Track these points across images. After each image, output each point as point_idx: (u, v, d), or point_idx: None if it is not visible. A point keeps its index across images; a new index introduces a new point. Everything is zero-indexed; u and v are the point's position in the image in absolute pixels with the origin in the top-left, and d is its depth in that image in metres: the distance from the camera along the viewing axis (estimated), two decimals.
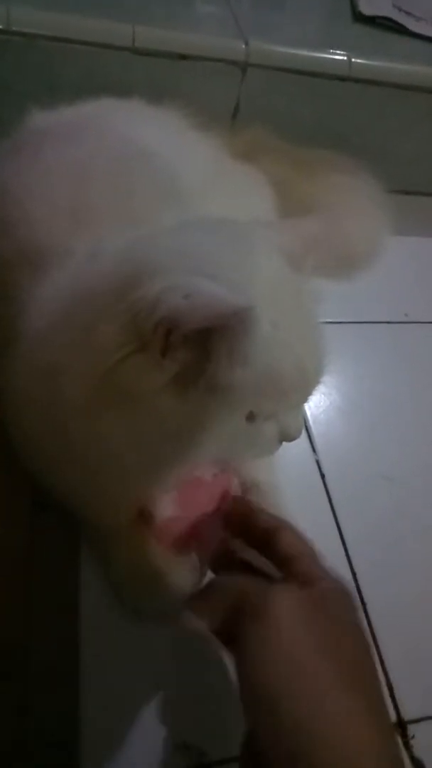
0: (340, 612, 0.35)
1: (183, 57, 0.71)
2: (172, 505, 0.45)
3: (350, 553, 0.56)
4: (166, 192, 0.51)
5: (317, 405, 0.67)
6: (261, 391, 0.36)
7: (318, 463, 0.62)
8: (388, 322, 0.77)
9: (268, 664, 0.31)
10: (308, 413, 0.65)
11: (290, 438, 0.41)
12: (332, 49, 0.77)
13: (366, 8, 0.86)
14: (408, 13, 0.88)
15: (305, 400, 0.41)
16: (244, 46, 0.72)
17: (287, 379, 0.37)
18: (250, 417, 0.37)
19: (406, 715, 0.48)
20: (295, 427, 0.41)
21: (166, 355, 0.32)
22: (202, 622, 0.35)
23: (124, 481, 0.40)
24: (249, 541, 0.40)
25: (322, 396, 0.68)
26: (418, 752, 0.47)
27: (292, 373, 0.37)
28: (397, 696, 0.49)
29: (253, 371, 0.33)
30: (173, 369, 0.33)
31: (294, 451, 0.61)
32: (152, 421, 0.35)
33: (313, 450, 0.63)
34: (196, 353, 0.32)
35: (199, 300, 0.30)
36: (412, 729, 0.48)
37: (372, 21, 0.86)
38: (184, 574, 0.47)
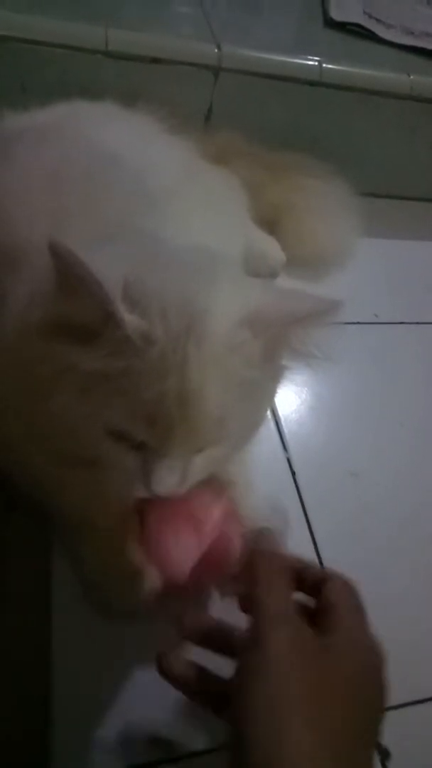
0: (351, 667, 0.33)
1: (155, 60, 0.71)
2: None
3: (319, 547, 0.57)
4: (139, 195, 0.52)
5: (289, 403, 0.68)
6: (111, 401, 0.34)
7: (289, 460, 0.63)
8: (358, 323, 0.79)
9: (250, 703, 0.31)
10: (280, 411, 0.67)
11: (149, 489, 0.36)
12: (303, 54, 0.79)
13: (337, 14, 0.88)
14: (378, 20, 0.90)
15: (168, 453, 0.35)
16: (216, 50, 0.74)
17: (138, 406, 0.33)
18: (112, 431, 0.35)
19: None
20: (158, 479, 0.36)
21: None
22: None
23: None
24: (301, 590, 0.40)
25: (294, 395, 0.69)
26: (384, 741, 0.48)
27: (148, 404, 0.33)
28: None
29: (102, 363, 0.33)
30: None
31: (265, 448, 0.62)
32: (24, 360, 0.36)
33: (284, 448, 0.64)
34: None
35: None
36: None
37: (343, 27, 0.87)
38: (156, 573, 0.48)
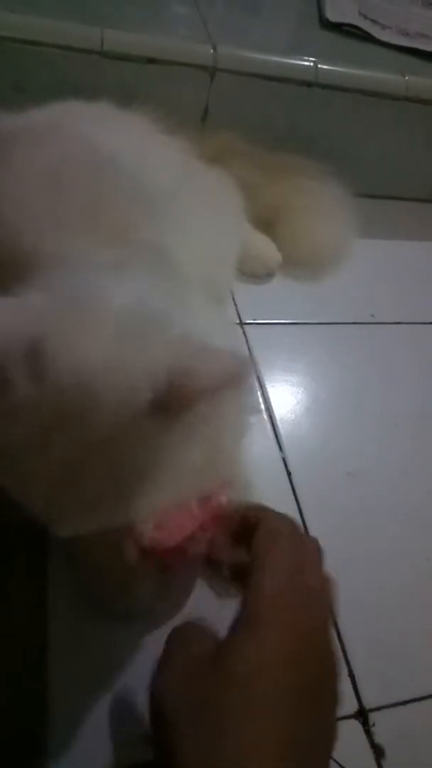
0: (277, 665, 0.31)
1: (151, 61, 0.72)
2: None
3: None
4: (139, 196, 0.52)
5: (284, 403, 0.68)
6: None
7: (284, 460, 0.63)
8: (354, 323, 0.79)
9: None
10: (275, 411, 0.67)
11: None
12: (299, 54, 0.79)
13: (333, 15, 0.88)
14: (374, 21, 0.91)
15: (57, 531, 0.35)
16: (212, 51, 0.74)
17: (22, 476, 0.33)
18: None
19: (367, 703, 0.50)
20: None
21: None
22: None
23: None
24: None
25: (290, 395, 0.69)
26: (378, 739, 0.48)
27: (27, 477, 0.33)
28: (358, 685, 0.50)
29: None
30: None
31: (260, 448, 0.63)
32: None
33: (280, 448, 0.64)
34: None
35: None
36: (372, 717, 0.49)
37: (338, 28, 0.88)
38: (152, 575, 0.48)
